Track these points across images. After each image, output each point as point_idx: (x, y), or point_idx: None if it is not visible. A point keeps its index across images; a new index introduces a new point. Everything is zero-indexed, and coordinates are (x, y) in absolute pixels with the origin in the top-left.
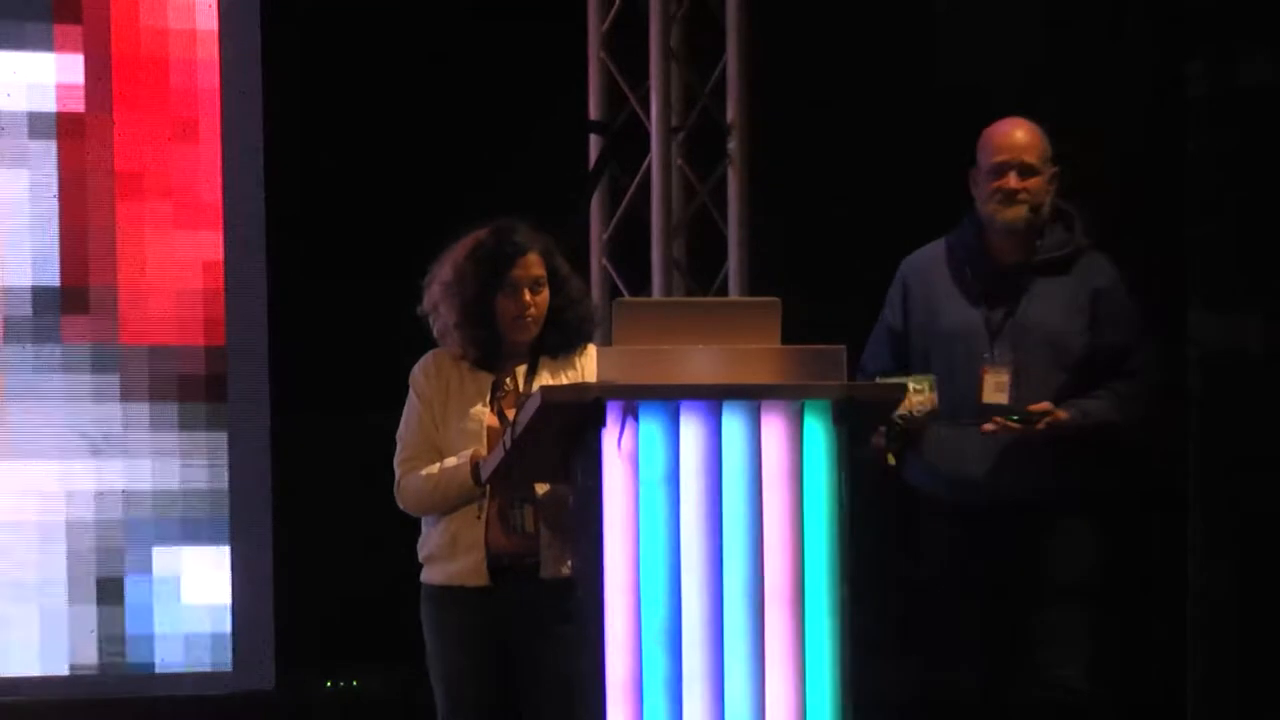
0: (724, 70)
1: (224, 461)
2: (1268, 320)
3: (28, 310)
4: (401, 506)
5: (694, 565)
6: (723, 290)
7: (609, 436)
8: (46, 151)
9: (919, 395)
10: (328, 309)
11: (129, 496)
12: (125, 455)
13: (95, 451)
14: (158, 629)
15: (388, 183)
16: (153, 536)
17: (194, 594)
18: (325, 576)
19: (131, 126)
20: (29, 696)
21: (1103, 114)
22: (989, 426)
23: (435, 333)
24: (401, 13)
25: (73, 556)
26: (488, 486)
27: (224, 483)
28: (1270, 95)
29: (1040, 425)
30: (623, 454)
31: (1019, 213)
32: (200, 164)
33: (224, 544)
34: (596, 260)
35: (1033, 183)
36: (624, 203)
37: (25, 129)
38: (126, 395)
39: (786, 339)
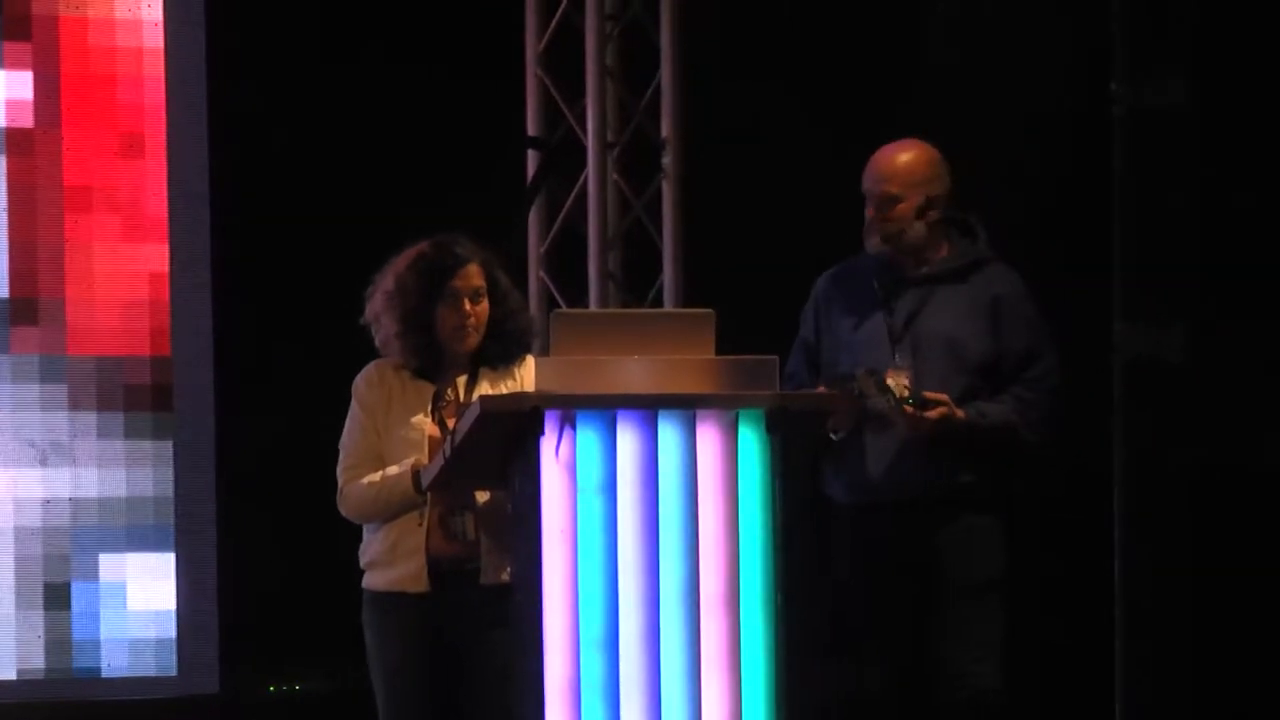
0: (658, 87)
1: (169, 469)
2: (1188, 332)
3: None
4: (344, 514)
5: (631, 571)
6: (658, 302)
7: (547, 445)
8: None
9: (902, 376)
10: (271, 320)
11: (76, 504)
12: (72, 464)
13: (43, 460)
14: (104, 634)
15: (330, 197)
16: (99, 543)
17: (139, 600)
18: (268, 582)
19: (79, 142)
20: None
21: (1033, 129)
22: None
23: (377, 343)
24: (344, 30)
25: (20, 563)
26: (429, 494)
27: (169, 490)
28: (1183, 116)
29: (933, 414)
30: (560, 462)
31: (874, 242)
32: (146, 178)
33: (169, 551)
34: (534, 272)
35: (895, 211)
36: (561, 216)
37: None
38: (74, 405)
39: (720, 350)
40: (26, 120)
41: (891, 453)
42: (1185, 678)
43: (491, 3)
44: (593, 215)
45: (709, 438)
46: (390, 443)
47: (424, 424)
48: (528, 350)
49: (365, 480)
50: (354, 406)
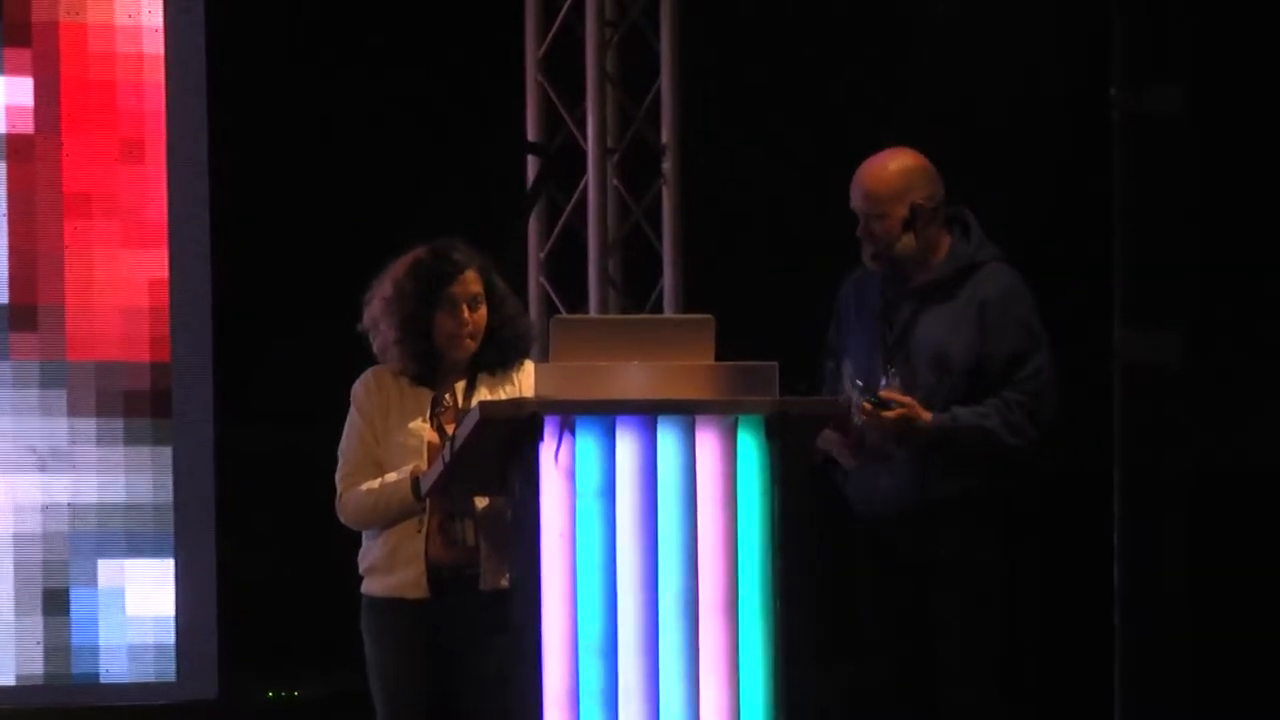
0: (658, 93)
1: (169, 475)
2: (1187, 337)
3: None
4: (343, 521)
5: (629, 577)
6: (657, 307)
7: (546, 451)
8: None
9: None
10: (270, 326)
11: (75, 510)
12: (72, 469)
13: (42, 466)
14: (103, 640)
15: (330, 202)
16: (98, 549)
17: (138, 606)
18: (267, 588)
19: (79, 148)
20: None
21: (1032, 134)
22: (861, 415)
23: (375, 349)
24: (344, 36)
25: (19, 569)
26: (428, 501)
27: (169, 496)
28: (1182, 121)
29: (891, 414)
30: (559, 468)
31: (866, 257)
32: (146, 184)
33: (168, 556)
34: (534, 278)
35: (880, 226)
36: (561, 222)
37: None
38: (73, 410)
39: (720, 355)
40: (27, 126)
41: (888, 462)
42: (1184, 678)
43: (492, 8)
44: (592, 221)
45: (708, 443)
46: (389, 449)
47: (423, 430)
48: (526, 355)
49: (364, 487)
50: (352, 413)
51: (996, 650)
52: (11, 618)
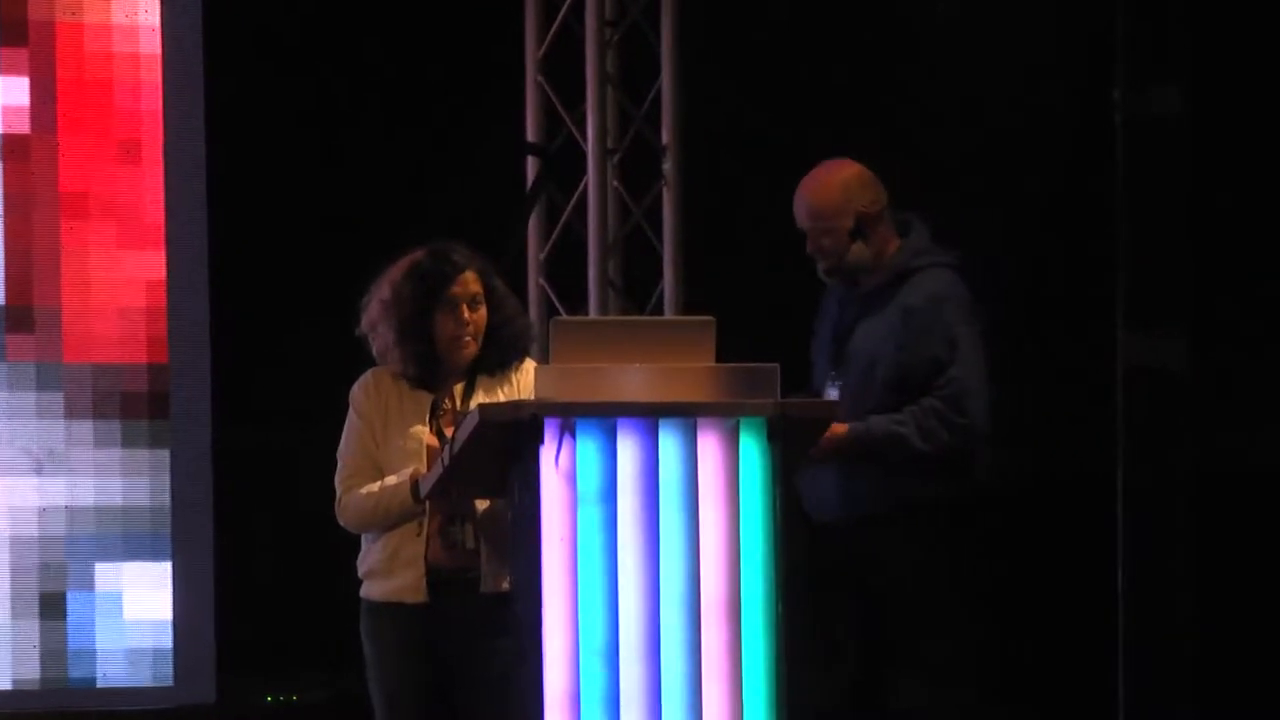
0: (658, 93)
1: (166, 478)
2: (1190, 340)
3: None
4: (343, 524)
5: (631, 580)
6: (658, 309)
7: (546, 453)
8: None
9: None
10: (268, 327)
11: (72, 513)
12: (69, 472)
13: (39, 468)
14: (100, 644)
15: (328, 203)
16: (95, 552)
17: (136, 609)
18: (266, 591)
19: (76, 148)
20: None
21: (1035, 138)
22: None
23: (374, 352)
24: (342, 36)
25: (16, 572)
26: (428, 504)
27: (166, 499)
28: (1185, 125)
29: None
30: (560, 471)
31: (821, 272)
32: (143, 185)
33: (166, 560)
34: (534, 279)
35: (829, 240)
36: (561, 223)
37: None
38: (70, 413)
39: (721, 357)
40: (23, 126)
41: (823, 471)
42: (1187, 679)
43: (491, 9)
44: (593, 222)
45: (710, 446)
46: (388, 452)
47: (422, 433)
48: (526, 355)
49: (364, 490)
50: (351, 416)
51: (941, 663)
52: (8, 621)
